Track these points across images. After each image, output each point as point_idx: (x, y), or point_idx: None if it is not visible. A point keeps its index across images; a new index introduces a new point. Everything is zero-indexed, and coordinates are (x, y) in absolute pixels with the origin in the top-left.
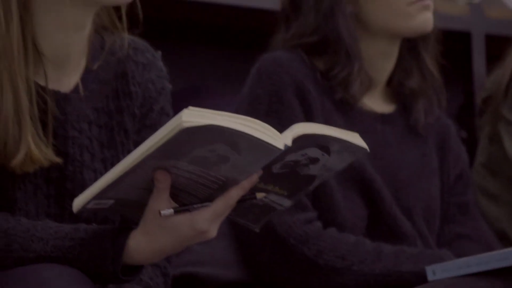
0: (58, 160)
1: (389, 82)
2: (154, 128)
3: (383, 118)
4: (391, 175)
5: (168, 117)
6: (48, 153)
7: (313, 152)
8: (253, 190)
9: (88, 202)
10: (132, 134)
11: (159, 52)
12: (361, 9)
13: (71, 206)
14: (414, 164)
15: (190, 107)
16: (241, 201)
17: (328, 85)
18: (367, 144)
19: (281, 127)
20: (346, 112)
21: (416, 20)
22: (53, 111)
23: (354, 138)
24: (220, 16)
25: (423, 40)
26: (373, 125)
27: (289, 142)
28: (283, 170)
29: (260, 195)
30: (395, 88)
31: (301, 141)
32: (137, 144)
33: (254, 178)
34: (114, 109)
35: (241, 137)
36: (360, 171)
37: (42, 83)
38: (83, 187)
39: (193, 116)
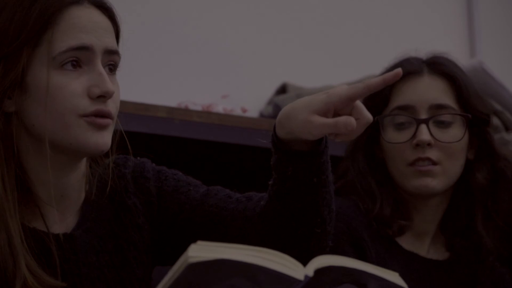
0: (62, 284)
1: (443, 229)
2: (180, 188)
3: (438, 265)
4: None
5: (178, 173)
6: (50, 281)
7: None
8: None
9: None
10: (141, 246)
11: (138, 158)
12: (383, 159)
13: None
14: None
15: (199, 242)
16: None
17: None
18: None
19: None
20: (401, 259)
21: (411, 183)
22: (58, 254)
23: (392, 277)
24: (269, 162)
25: (482, 199)
26: (429, 272)
27: (310, 273)
28: None
29: None
30: (447, 238)
31: (332, 274)
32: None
33: None
34: (118, 230)
35: (257, 270)
36: None
37: (43, 228)
38: None
39: (201, 251)
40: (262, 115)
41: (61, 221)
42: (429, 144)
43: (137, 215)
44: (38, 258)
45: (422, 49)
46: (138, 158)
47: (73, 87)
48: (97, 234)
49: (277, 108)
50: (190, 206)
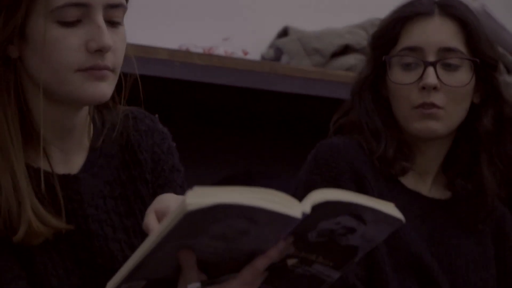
0: (68, 226)
1: (444, 169)
2: (168, 186)
3: (440, 204)
4: (448, 263)
5: (180, 172)
6: (55, 223)
7: (348, 221)
8: (290, 257)
9: (120, 285)
10: (148, 200)
11: (156, 115)
12: (389, 99)
13: (105, 283)
14: (471, 252)
15: (195, 187)
16: (273, 268)
17: (384, 169)
18: (425, 229)
19: None
20: (403, 198)
21: (416, 126)
22: (63, 195)
23: (388, 208)
24: (270, 104)
25: (487, 143)
26: (431, 210)
27: (307, 210)
28: (321, 239)
29: (291, 261)
30: (448, 178)
31: (329, 209)
32: None
33: (280, 246)
34: (126, 179)
35: (255, 211)
36: (417, 257)
37: (47, 168)
38: (112, 260)
39: (198, 197)
40: (263, 58)
41: (65, 162)
42: (435, 88)
43: (146, 171)
44: (43, 198)
45: None
46: (156, 115)
47: (69, 41)
48: (104, 180)
49: (278, 51)
50: None
